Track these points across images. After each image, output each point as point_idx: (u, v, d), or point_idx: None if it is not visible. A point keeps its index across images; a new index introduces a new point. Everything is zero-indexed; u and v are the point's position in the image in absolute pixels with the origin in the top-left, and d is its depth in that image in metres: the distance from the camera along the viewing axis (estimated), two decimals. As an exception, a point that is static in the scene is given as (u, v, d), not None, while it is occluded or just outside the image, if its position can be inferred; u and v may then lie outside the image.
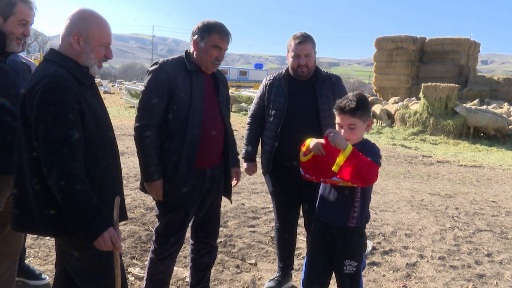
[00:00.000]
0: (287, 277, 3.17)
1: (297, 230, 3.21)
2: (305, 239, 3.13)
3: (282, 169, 2.91)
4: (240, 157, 2.92)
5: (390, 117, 15.26)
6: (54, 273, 2.20)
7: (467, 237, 4.42)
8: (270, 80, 2.97)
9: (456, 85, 13.80)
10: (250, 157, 3.10)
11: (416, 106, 14.64)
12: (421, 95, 13.96)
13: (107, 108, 2.03)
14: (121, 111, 17.31)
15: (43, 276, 3.00)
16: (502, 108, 15.38)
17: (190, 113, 2.30)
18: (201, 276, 2.72)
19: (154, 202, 2.52)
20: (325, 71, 3.00)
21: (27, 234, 3.05)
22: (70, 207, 1.66)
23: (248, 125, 3.08)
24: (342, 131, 2.11)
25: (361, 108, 2.08)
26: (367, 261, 3.62)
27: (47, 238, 3.59)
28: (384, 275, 3.43)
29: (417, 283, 3.33)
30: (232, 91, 17.78)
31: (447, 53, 23.71)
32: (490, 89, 21.54)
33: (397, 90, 24.22)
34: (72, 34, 1.79)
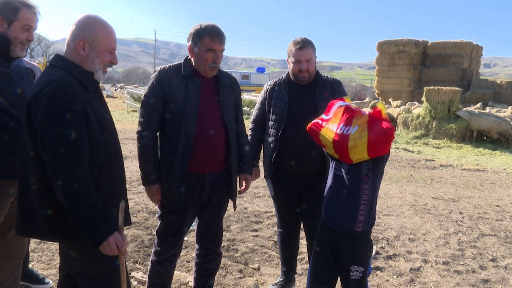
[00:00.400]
0: (290, 281, 3.16)
1: (300, 234, 3.20)
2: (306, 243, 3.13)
3: (283, 173, 2.91)
4: None
5: (392, 121, 15.24)
6: (57, 278, 2.21)
7: (471, 241, 4.40)
8: (271, 85, 2.98)
9: (459, 89, 13.78)
10: (252, 162, 3.10)
11: (419, 109, 14.62)
12: (423, 98, 13.94)
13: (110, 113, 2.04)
14: (124, 115, 17.37)
15: (47, 280, 3.00)
16: (505, 111, 15.35)
17: (184, 114, 2.33)
18: (204, 282, 2.71)
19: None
20: (326, 75, 3.01)
21: (31, 239, 3.05)
22: (75, 212, 1.67)
23: (250, 130, 3.09)
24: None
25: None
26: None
27: (51, 242, 3.60)
28: (387, 280, 3.42)
29: (421, 288, 3.32)
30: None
31: (449, 56, 23.67)
32: (493, 92, 21.48)
33: (399, 93, 24.19)
34: (77, 40, 1.81)
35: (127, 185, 2.11)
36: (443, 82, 20.05)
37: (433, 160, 9.80)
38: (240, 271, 3.45)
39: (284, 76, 2.95)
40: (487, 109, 13.88)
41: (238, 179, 2.68)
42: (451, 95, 13.24)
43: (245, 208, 5.14)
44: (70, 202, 1.66)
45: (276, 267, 3.54)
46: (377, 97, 25.76)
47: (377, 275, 3.50)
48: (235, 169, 2.59)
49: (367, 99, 25.07)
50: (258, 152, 3.09)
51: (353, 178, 2.14)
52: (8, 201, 2.28)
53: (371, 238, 2.30)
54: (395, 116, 15.12)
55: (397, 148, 11.36)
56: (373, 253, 3.89)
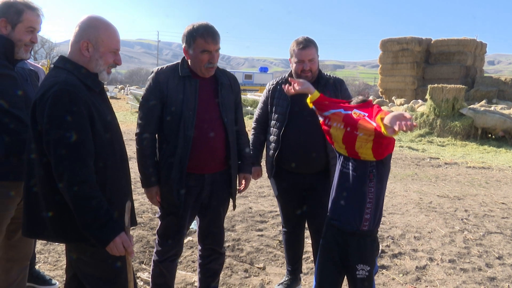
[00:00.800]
0: (296, 280, 3.16)
1: (305, 233, 3.20)
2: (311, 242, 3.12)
3: (285, 172, 2.91)
4: None
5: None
6: (64, 279, 2.22)
7: (477, 239, 4.37)
8: (273, 84, 2.98)
9: (463, 86, 13.71)
10: (254, 161, 3.10)
11: (423, 108, 14.56)
12: (427, 96, 13.88)
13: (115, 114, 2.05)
14: (128, 116, 17.42)
15: (53, 281, 3.02)
16: (510, 109, 15.25)
17: (183, 115, 2.31)
18: (209, 282, 2.71)
19: None
20: (328, 74, 3.01)
21: (37, 240, 3.06)
22: (81, 213, 1.67)
23: (253, 129, 3.09)
24: None
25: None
26: (376, 265, 3.59)
27: (57, 243, 3.61)
28: (393, 279, 3.41)
29: (427, 286, 3.30)
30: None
31: (453, 54, 23.56)
32: (498, 89, 21.36)
33: (403, 92, 24.11)
34: (81, 41, 1.81)
35: (132, 186, 2.11)
36: (447, 80, 19.93)
37: (438, 158, 9.76)
38: (246, 270, 3.45)
39: (286, 75, 2.95)
40: (492, 107, 13.80)
41: (238, 178, 2.68)
42: (455, 92, 13.18)
43: (250, 208, 5.14)
44: (76, 204, 1.66)
45: (281, 267, 3.54)
46: (381, 95, 25.68)
47: (382, 273, 3.49)
48: (235, 170, 2.57)
49: (370, 98, 25.00)
50: (260, 152, 3.09)
51: (359, 176, 2.13)
52: (13, 203, 2.29)
53: (377, 236, 2.30)
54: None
55: (402, 147, 11.32)
56: (379, 252, 3.88)
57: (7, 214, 2.26)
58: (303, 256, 3.36)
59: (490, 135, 12.77)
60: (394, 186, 6.76)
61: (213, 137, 2.40)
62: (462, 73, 23.07)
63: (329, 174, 2.79)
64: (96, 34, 1.81)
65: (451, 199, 6.03)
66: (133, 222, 2.00)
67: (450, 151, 11.00)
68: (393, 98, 20.87)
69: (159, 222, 2.56)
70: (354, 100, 2.25)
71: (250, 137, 3.13)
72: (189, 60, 2.40)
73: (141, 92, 21.98)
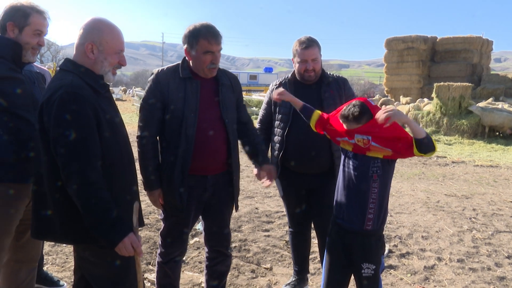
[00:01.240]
0: (303, 281, 3.15)
1: (312, 234, 3.19)
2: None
3: (290, 172, 2.90)
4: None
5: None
6: (72, 280, 2.23)
7: (486, 238, 4.34)
8: (276, 84, 2.97)
9: (470, 84, 13.60)
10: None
11: (429, 106, 14.46)
12: (433, 95, 13.79)
13: (121, 115, 2.06)
14: (134, 118, 17.47)
15: (61, 282, 3.03)
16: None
17: (184, 117, 2.29)
18: (216, 283, 2.70)
19: None
20: (332, 73, 2.99)
21: (45, 241, 3.08)
22: (89, 215, 1.68)
23: (257, 130, 3.08)
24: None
25: (365, 112, 2.08)
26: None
27: (65, 245, 3.63)
28: (401, 279, 3.38)
29: (435, 286, 3.28)
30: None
31: (459, 52, 23.39)
32: (505, 87, 21.17)
33: (408, 90, 23.97)
34: (85, 44, 1.82)
35: (139, 187, 2.12)
36: (453, 78, 19.78)
37: (445, 157, 9.70)
38: (253, 271, 3.45)
39: (289, 75, 2.94)
40: (500, 104, 13.67)
41: (259, 173, 2.61)
42: (462, 90, 13.08)
43: (256, 208, 5.14)
44: (84, 205, 1.67)
45: (288, 267, 3.53)
46: (386, 94, 25.58)
47: (390, 273, 3.47)
48: (236, 170, 2.54)
49: (376, 97, 24.90)
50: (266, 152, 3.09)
51: (361, 176, 2.13)
52: (22, 205, 2.30)
53: (384, 235, 2.29)
54: (405, 113, 14.94)
55: (408, 146, 11.24)
56: (386, 251, 3.86)
57: (16, 215, 2.27)
58: (310, 256, 3.35)
59: (497, 133, 12.67)
60: (401, 185, 6.72)
61: (215, 137, 2.38)
62: (468, 71, 22.90)
63: (334, 174, 2.78)
64: (100, 36, 1.82)
65: (459, 198, 5.98)
66: (141, 223, 2.01)
67: (457, 150, 10.92)
68: (400, 97, 20.74)
69: (162, 224, 2.56)
70: (346, 112, 2.12)
71: None
72: (190, 61, 2.38)
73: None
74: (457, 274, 3.49)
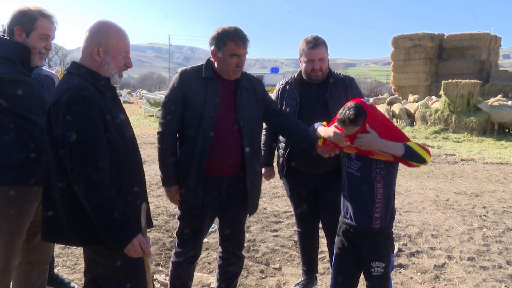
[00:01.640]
0: (312, 280, 3.14)
1: (321, 233, 3.18)
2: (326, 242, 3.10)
3: (296, 172, 2.90)
4: None
5: (410, 116, 15.01)
6: (82, 282, 2.24)
7: (497, 236, 4.29)
8: (282, 84, 2.97)
9: (478, 81, 13.48)
10: (266, 162, 3.09)
11: (437, 104, 14.35)
12: (441, 92, 13.68)
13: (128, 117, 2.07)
14: (141, 120, 17.57)
15: (72, 284, 3.06)
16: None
17: (203, 117, 2.33)
18: (227, 284, 2.71)
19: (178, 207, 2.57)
20: (339, 72, 2.98)
21: (55, 244, 3.11)
22: (99, 216, 1.69)
23: (264, 130, 3.08)
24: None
25: (361, 114, 2.06)
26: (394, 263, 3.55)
27: (75, 247, 3.66)
28: (411, 277, 3.36)
29: (446, 285, 3.25)
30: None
31: (466, 48, 23.20)
32: (514, 84, 20.96)
33: (416, 88, 23.83)
34: (91, 46, 1.83)
35: (147, 189, 2.13)
36: (461, 75, 19.62)
37: (454, 155, 9.61)
38: (262, 271, 3.45)
39: (295, 75, 2.94)
40: (509, 101, 13.52)
41: (317, 147, 2.50)
42: (470, 87, 12.96)
43: (264, 209, 5.14)
44: (93, 207, 1.69)
45: (297, 267, 3.53)
46: (394, 92, 25.43)
47: (400, 272, 3.45)
48: (251, 172, 2.51)
49: (385, 95, 24.76)
50: (272, 152, 3.09)
51: (364, 177, 2.13)
52: (32, 207, 2.32)
53: (393, 232, 2.27)
54: (412, 111, 14.88)
55: (416, 144, 11.17)
56: (396, 250, 3.83)
57: (26, 218, 2.30)
58: (319, 256, 3.34)
59: (507, 130, 12.53)
60: (409, 184, 6.68)
61: (231, 139, 2.40)
62: (476, 67, 22.69)
63: (340, 173, 2.77)
64: (106, 39, 1.84)
65: (468, 196, 5.93)
66: (149, 224, 2.02)
67: (466, 147, 10.82)
68: (409, 95, 20.59)
69: (178, 223, 2.57)
70: (342, 116, 2.11)
71: (262, 137, 3.13)
72: (216, 63, 2.41)
73: (153, 96, 22.21)
74: (468, 273, 3.45)
